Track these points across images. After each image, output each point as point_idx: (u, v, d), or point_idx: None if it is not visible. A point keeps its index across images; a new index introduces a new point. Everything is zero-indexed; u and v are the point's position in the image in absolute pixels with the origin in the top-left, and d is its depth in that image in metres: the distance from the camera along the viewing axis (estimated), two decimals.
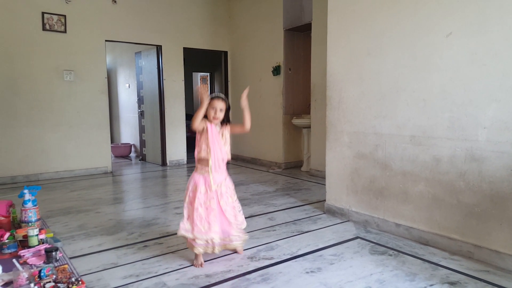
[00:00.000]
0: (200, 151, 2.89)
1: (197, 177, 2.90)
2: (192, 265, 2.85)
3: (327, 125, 4.10)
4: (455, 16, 2.96)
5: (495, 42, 2.74)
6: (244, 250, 3.11)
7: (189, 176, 6.32)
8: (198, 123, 2.82)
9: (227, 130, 2.98)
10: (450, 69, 3.01)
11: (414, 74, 3.26)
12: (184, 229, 2.84)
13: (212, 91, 12.36)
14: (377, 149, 3.61)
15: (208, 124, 2.86)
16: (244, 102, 2.94)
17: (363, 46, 3.67)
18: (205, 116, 2.89)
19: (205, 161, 2.87)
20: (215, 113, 2.85)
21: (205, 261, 2.89)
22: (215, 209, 2.85)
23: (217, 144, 2.88)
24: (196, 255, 2.87)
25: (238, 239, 2.98)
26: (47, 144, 6.24)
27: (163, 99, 7.49)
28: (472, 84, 2.88)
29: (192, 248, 2.87)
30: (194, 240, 2.82)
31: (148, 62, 7.75)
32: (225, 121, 2.97)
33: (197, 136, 2.93)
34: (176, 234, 3.50)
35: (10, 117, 5.87)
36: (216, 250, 2.89)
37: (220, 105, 2.87)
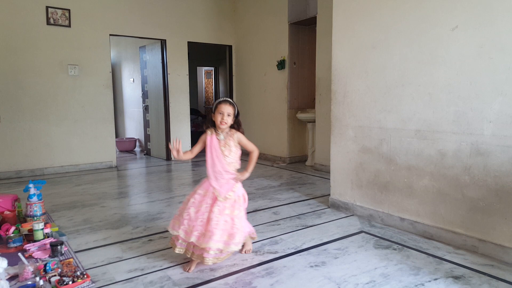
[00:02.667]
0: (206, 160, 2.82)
1: (204, 181, 2.82)
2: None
3: (332, 119, 4.08)
4: (461, 9, 2.93)
5: (501, 35, 2.71)
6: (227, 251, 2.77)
7: (193, 170, 6.40)
8: (196, 150, 2.83)
9: (234, 138, 2.81)
10: (456, 63, 2.98)
11: (420, 67, 3.23)
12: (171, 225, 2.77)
13: (216, 85, 12.35)
14: (382, 143, 3.59)
15: (208, 137, 2.78)
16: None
17: (368, 39, 3.64)
18: (212, 123, 2.81)
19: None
20: (222, 118, 2.72)
21: None
22: (204, 213, 2.69)
23: (215, 156, 2.75)
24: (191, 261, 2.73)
25: (210, 255, 2.60)
26: (52, 139, 6.26)
27: (167, 94, 7.49)
28: (478, 77, 2.85)
29: (173, 247, 2.76)
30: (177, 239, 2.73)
31: (153, 57, 7.74)
32: (235, 127, 2.84)
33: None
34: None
35: (15, 111, 5.90)
36: (191, 255, 2.69)
37: (227, 109, 2.73)
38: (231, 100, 2.81)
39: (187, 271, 2.65)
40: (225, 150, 2.77)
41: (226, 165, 2.77)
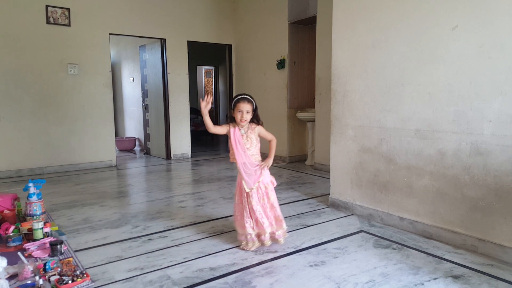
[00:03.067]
0: (232, 154, 2.99)
1: (238, 178, 3.03)
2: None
3: (332, 119, 4.08)
4: (461, 9, 2.93)
5: (501, 35, 2.71)
6: (266, 234, 3.10)
7: (193, 170, 6.40)
8: (217, 129, 2.96)
9: (254, 132, 3.00)
10: (456, 62, 2.98)
11: (420, 67, 3.23)
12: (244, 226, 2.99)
13: (216, 84, 12.34)
14: (381, 143, 3.59)
15: (231, 129, 2.91)
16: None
17: (368, 39, 3.64)
18: (233, 118, 2.96)
19: (236, 164, 2.99)
20: (242, 115, 2.88)
21: (208, 255, 2.91)
22: (247, 208, 2.97)
23: (241, 148, 2.92)
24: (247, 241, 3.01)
25: (267, 238, 3.03)
26: (52, 138, 6.26)
27: (167, 93, 7.48)
28: (478, 77, 2.85)
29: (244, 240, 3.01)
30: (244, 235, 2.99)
31: (152, 56, 7.74)
32: (255, 121, 2.99)
33: (229, 141, 3.02)
34: (180, 227, 3.53)
35: (15, 110, 5.89)
36: (258, 244, 3.02)
37: (246, 107, 2.88)
38: (249, 97, 2.94)
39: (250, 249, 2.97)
40: (247, 143, 2.96)
41: (250, 157, 2.96)
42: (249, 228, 2.96)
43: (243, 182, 2.95)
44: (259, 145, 3.05)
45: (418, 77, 3.24)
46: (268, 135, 3.09)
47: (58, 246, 2.81)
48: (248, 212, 2.97)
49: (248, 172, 2.95)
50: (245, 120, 2.90)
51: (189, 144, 7.84)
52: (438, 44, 3.09)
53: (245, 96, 2.93)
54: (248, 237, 2.97)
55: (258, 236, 3.01)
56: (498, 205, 2.79)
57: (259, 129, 3.02)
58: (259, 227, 2.96)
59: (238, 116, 2.88)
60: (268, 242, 3.02)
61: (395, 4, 3.39)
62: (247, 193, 2.96)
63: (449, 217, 3.11)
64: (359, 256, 2.88)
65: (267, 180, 3.03)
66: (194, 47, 8.27)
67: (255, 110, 2.96)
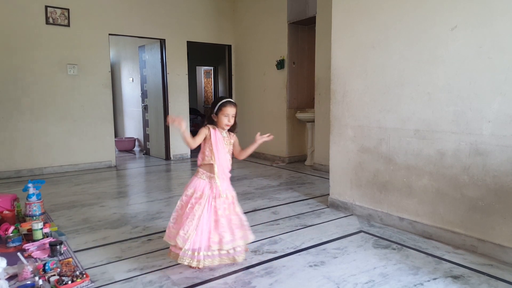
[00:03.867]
0: (204, 158, 2.72)
1: (198, 182, 2.71)
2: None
3: (331, 119, 4.08)
4: (460, 9, 2.93)
5: (500, 35, 2.72)
6: (247, 244, 2.95)
7: (192, 170, 6.38)
8: (197, 141, 2.64)
9: (232, 139, 2.82)
10: (455, 63, 2.99)
11: (419, 67, 3.23)
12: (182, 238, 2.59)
13: (215, 85, 12.34)
14: (381, 143, 3.59)
15: (211, 130, 2.69)
16: (259, 141, 2.85)
17: (368, 39, 3.64)
18: (212, 121, 2.75)
19: (209, 167, 2.71)
20: (228, 120, 2.70)
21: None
22: (209, 221, 2.64)
23: (222, 150, 2.71)
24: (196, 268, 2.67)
25: (240, 252, 2.72)
26: (51, 138, 6.25)
27: (166, 93, 7.49)
28: (477, 77, 2.86)
29: (181, 261, 2.60)
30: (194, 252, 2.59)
31: (152, 56, 7.74)
32: (232, 129, 2.80)
33: (202, 143, 2.73)
34: None
35: (14, 111, 5.89)
36: (215, 263, 2.67)
37: (233, 111, 2.70)
38: (233, 101, 2.77)
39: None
40: (226, 147, 2.76)
41: (229, 161, 2.77)
42: (215, 244, 2.62)
43: (218, 187, 2.66)
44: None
45: (418, 77, 3.25)
46: (239, 147, 2.88)
47: (58, 247, 2.81)
48: (213, 224, 2.64)
49: (222, 177, 2.71)
50: (230, 125, 2.72)
51: None
52: (437, 44, 3.09)
53: (231, 100, 2.75)
54: (188, 253, 2.58)
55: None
56: (498, 205, 2.79)
57: (235, 138, 2.85)
58: (218, 243, 2.64)
59: (224, 120, 2.67)
60: (239, 257, 2.71)
61: (395, 4, 3.39)
62: (217, 202, 2.66)
63: (448, 217, 3.11)
64: (359, 256, 2.88)
65: (233, 192, 2.81)
66: (194, 47, 8.27)
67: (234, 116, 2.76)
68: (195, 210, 2.61)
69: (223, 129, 2.74)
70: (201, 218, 2.60)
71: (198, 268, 2.64)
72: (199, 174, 2.74)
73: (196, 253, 2.57)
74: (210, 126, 2.73)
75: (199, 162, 2.78)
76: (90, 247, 3.11)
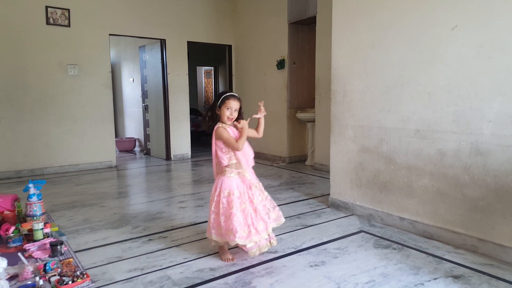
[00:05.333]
0: (231, 158, 2.80)
1: (229, 181, 2.78)
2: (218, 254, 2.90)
3: (332, 119, 4.08)
4: (460, 9, 2.93)
5: (501, 35, 2.71)
6: (280, 224, 3.04)
7: (193, 170, 6.39)
8: (236, 141, 2.74)
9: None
10: (456, 62, 2.98)
11: (419, 67, 3.23)
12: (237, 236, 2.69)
13: (216, 85, 12.34)
14: (381, 143, 3.59)
15: (228, 129, 2.77)
16: (261, 116, 2.97)
17: (368, 39, 3.64)
18: (217, 116, 2.82)
19: (234, 165, 2.81)
20: (231, 113, 2.77)
21: (208, 255, 2.91)
22: (249, 212, 2.75)
23: (247, 146, 2.84)
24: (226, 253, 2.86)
25: (274, 236, 2.89)
26: (52, 138, 6.26)
27: (167, 93, 7.49)
28: (478, 77, 2.86)
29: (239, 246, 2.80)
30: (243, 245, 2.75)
31: (152, 56, 7.74)
32: (239, 120, 2.87)
33: (219, 145, 2.80)
34: (180, 228, 3.53)
35: (15, 111, 5.90)
36: (264, 249, 2.83)
37: (235, 105, 2.78)
38: (237, 95, 2.84)
39: (231, 260, 2.82)
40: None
41: (251, 151, 2.91)
42: (263, 231, 2.78)
43: (248, 179, 2.81)
44: None
45: (418, 77, 3.24)
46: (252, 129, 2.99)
47: (58, 247, 2.81)
48: (254, 214, 2.77)
49: (249, 170, 2.85)
50: (233, 118, 2.80)
51: (189, 144, 7.84)
52: (437, 44, 3.09)
53: (234, 94, 2.83)
54: (260, 242, 2.78)
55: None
56: (498, 205, 2.79)
57: (244, 123, 2.88)
58: (265, 229, 2.80)
59: (226, 113, 2.75)
60: (274, 241, 2.89)
61: (395, 4, 3.39)
62: (251, 192, 2.80)
63: (449, 217, 3.11)
64: (359, 256, 2.88)
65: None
66: (194, 47, 8.27)
67: (240, 110, 2.86)
68: (241, 208, 2.74)
69: (225, 123, 2.80)
70: (245, 212, 2.74)
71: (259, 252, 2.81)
72: (227, 173, 2.80)
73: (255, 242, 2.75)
74: (220, 125, 2.79)
75: (225, 163, 2.81)
76: (91, 247, 3.11)
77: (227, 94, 2.79)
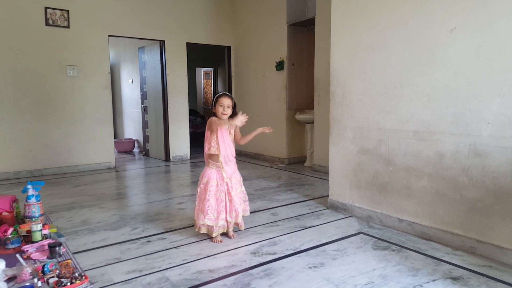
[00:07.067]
0: (210, 148, 3.20)
1: (209, 171, 3.20)
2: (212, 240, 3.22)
3: (331, 120, 4.09)
4: (459, 11, 2.94)
5: (499, 36, 2.72)
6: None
7: (192, 171, 6.40)
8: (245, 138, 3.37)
9: (233, 128, 3.27)
10: (454, 64, 2.99)
11: (418, 68, 3.24)
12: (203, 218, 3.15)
13: (215, 86, 12.35)
14: (380, 144, 3.59)
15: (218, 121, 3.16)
16: (259, 131, 3.35)
17: (367, 40, 3.65)
18: (214, 114, 3.21)
19: (215, 157, 3.18)
20: (224, 109, 3.16)
21: (207, 257, 2.91)
22: (223, 200, 3.16)
23: (226, 141, 3.18)
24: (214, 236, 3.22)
25: (241, 223, 3.31)
26: (51, 140, 6.25)
27: (166, 95, 7.48)
28: (476, 78, 2.86)
29: (207, 232, 3.22)
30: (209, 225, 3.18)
31: (151, 57, 7.74)
32: (233, 117, 3.17)
33: (207, 134, 3.22)
34: (179, 229, 3.53)
35: (14, 112, 5.89)
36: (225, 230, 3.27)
37: (227, 102, 3.17)
38: (229, 94, 3.27)
39: (220, 242, 3.19)
40: (230, 136, 3.25)
41: (233, 149, 3.26)
42: (221, 220, 3.17)
43: (223, 172, 3.16)
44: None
45: (417, 79, 3.25)
46: (240, 134, 3.39)
47: (57, 248, 2.80)
48: (224, 203, 3.17)
49: (229, 164, 3.20)
50: (226, 114, 3.16)
51: (188, 145, 7.84)
52: (436, 45, 3.10)
53: (226, 92, 3.27)
54: (219, 228, 3.20)
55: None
56: (497, 206, 2.79)
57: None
58: (234, 217, 3.23)
59: (219, 110, 3.15)
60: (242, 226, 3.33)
61: (393, 6, 3.39)
62: (227, 183, 3.18)
63: (448, 219, 3.11)
64: (358, 257, 2.88)
65: (239, 175, 3.35)
66: (193, 48, 8.28)
67: (234, 107, 3.23)
68: (213, 194, 3.16)
69: (220, 118, 3.18)
70: (218, 200, 3.17)
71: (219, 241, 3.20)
72: (210, 164, 3.23)
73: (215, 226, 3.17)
74: (213, 117, 3.19)
75: (205, 153, 3.25)
76: (89, 249, 3.10)
77: (219, 93, 3.24)
